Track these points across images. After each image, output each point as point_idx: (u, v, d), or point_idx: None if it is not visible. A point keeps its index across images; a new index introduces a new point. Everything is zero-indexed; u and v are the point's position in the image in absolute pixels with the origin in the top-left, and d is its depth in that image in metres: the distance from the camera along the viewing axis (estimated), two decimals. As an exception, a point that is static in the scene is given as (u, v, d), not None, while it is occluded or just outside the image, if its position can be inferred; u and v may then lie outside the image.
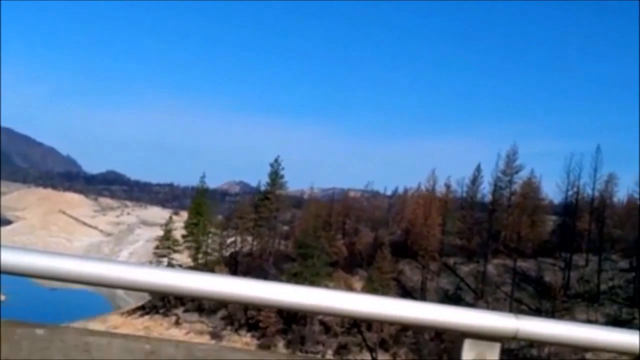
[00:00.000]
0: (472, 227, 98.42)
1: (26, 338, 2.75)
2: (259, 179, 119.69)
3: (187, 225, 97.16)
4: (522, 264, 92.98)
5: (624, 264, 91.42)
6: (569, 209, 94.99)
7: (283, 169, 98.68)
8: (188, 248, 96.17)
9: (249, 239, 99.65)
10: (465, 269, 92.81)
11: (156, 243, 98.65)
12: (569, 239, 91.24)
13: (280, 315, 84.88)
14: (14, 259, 2.70)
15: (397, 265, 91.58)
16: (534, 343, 73.85)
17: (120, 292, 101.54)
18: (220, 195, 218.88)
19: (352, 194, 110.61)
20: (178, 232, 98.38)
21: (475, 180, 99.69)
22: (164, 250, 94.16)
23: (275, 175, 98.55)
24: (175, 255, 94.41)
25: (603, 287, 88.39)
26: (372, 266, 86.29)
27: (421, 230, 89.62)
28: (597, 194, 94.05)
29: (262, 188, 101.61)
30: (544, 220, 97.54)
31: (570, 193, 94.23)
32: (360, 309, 3.05)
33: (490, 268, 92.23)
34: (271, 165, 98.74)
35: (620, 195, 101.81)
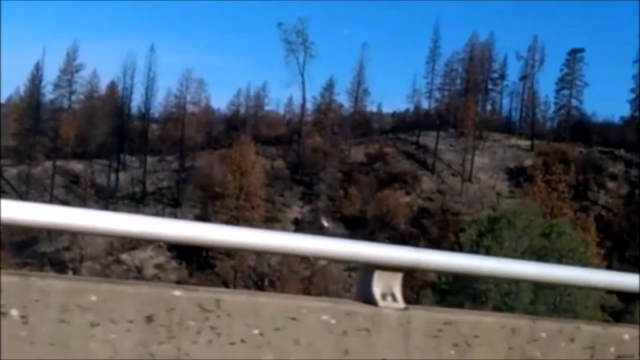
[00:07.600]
0: (31, 129, 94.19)
1: None
2: None
3: None
4: (77, 166, 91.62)
5: (177, 165, 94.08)
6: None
7: None
8: None
9: None
10: (14, 172, 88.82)
11: None
12: (120, 140, 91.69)
13: None
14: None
15: None
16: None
17: None
18: None
19: None
20: None
21: (34, 79, 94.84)
22: None
23: None
24: None
25: (152, 188, 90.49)
26: None
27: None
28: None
29: None
30: (102, 121, 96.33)
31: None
32: (266, 242, 3.31)
33: (42, 170, 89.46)
34: None
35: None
